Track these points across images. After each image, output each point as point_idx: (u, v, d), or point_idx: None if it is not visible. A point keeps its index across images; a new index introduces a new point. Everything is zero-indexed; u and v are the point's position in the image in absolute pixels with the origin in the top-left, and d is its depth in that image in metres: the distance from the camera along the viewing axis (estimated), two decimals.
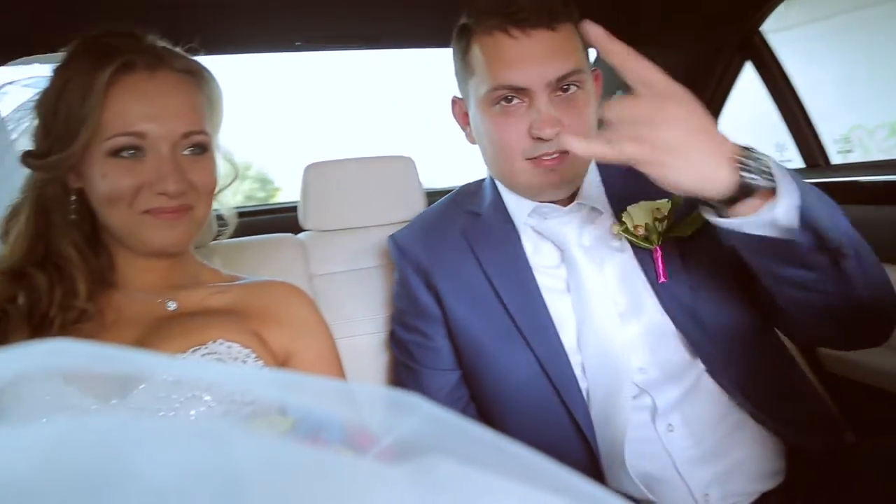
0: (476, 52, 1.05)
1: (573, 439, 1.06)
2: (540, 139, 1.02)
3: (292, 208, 1.67)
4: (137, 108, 0.90)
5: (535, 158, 1.05)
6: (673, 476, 1.00)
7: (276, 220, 1.96)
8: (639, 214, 1.06)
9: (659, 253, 1.05)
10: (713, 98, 1.95)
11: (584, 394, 1.06)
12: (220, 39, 1.65)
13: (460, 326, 1.15)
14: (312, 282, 1.51)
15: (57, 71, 0.93)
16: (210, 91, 1.01)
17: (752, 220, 0.79)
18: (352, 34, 1.72)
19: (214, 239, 1.27)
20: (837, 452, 1.02)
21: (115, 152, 0.90)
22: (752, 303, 1.06)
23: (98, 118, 0.88)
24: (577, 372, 1.06)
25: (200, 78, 1.00)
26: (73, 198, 0.96)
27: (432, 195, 1.71)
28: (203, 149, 0.97)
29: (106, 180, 0.91)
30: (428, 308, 1.19)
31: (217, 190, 1.03)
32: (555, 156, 1.04)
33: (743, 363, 1.04)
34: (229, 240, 1.29)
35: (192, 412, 0.82)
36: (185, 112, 0.94)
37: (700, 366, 1.04)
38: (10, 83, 1.02)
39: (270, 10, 1.52)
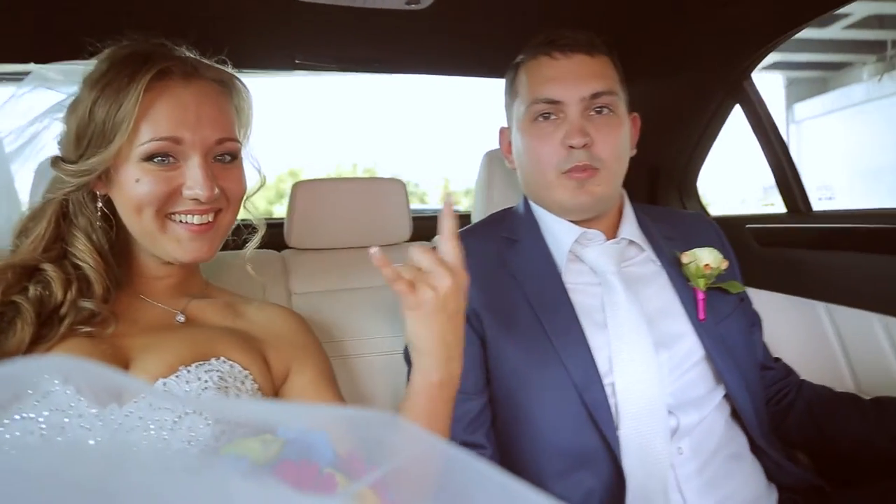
0: (522, 76, 1.22)
1: (602, 457, 1.07)
2: (571, 147, 1.13)
3: (277, 224, 1.65)
4: (173, 114, 0.92)
5: (566, 172, 1.14)
6: (677, 500, 1.06)
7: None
8: (708, 257, 1.18)
9: (702, 296, 1.17)
10: (702, 137, 1.99)
11: (614, 412, 1.08)
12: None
13: (500, 355, 1.14)
14: (291, 300, 1.49)
15: (92, 78, 0.93)
16: (240, 101, 1.04)
17: None
18: (352, 57, 1.74)
19: (243, 246, 1.24)
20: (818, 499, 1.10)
21: (149, 157, 0.92)
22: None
23: (134, 123, 0.89)
24: (608, 392, 1.08)
25: (232, 87, 1.03)
26: (100, 204, 0.96)
27: (418, 219, 1.70)
28: (233, 156, 1.00)
29: (139, 184, 0.92)
30: None
31: (245, 197, 1.06)
32: (584, 169, 1.13)
33: (758, 397, 1.16)
34: None
35: (191, 429, 0.81)
36: (219, 120, 0.96)
37: (716, 397, 1.13)
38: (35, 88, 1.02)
39: (273, 30, 1.53)
